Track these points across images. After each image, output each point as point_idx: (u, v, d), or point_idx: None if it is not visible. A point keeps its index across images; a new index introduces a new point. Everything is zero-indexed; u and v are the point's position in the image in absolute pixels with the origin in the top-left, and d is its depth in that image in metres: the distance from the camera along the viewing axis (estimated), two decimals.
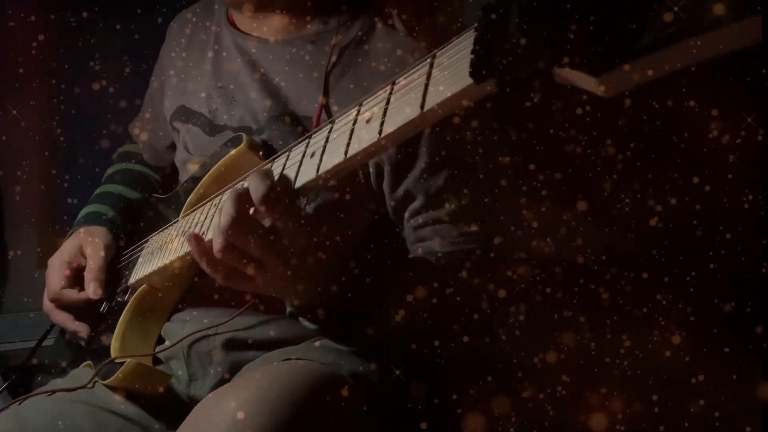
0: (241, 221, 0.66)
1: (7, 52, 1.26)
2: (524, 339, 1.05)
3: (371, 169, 0.90)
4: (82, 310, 1.02)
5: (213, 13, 1.06)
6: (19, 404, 0.90)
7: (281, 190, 0.66)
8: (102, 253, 1.01)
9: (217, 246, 0.68)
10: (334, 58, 0.92)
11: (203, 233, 0.80)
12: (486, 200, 0.91)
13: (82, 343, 1.01)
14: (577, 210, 1.09)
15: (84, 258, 1.02)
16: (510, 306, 0.93)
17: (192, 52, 1.06)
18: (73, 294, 1.00)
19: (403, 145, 0.88)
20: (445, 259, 0.89)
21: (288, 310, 0.78)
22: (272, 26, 0.98)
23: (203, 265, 0.72)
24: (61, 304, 1.01)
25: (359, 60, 0.92)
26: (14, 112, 1.23)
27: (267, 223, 0.67)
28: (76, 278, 1.02)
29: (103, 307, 1.01)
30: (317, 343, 0.90)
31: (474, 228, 0.89)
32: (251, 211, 0.66)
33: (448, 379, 0.99)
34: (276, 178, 0.69)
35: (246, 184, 0.67)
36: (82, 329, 1.00)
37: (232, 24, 1.02)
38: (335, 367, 0.82)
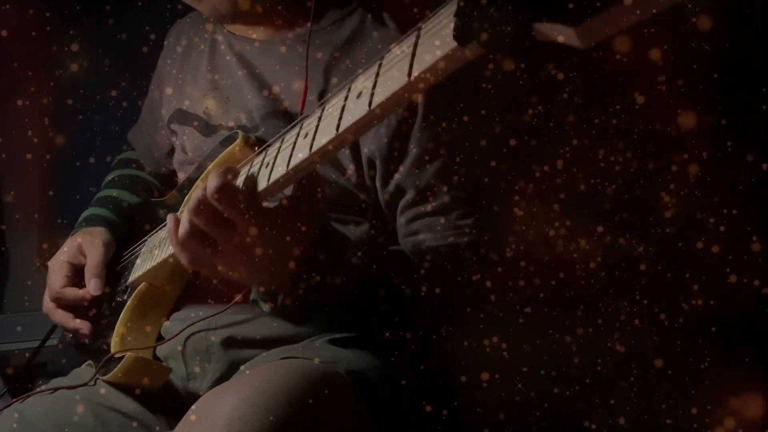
0: (204, 207, 0.72)
1: (7, 54, 1.28)
2: (516, 336, 1.05)
3: (364, 164, 0.91)
4: (82, 310, 1.02)
5: (209, 19, 1.09)
6: (21, 402, 0.90)
7: (235, 188, 0.72)
8: (101, 251, 1.02)
9: (183, 227, 0.74)
10: (332, 53, 0.93)
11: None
12: (477, 194, 0.92)
13: (84, 341, 1.01)
14: (570, 206, 1.09)
15: (84, 257, 1.03)
16: (501, 301, 0.93)
17: (189, 56, 1.08)
18: (74, 292, 1.01)
19: (395, 139, 0.89)
20: (435, 253, 0.89)
21: (251, 295, 0.84)
22: (264, 28, 1.00)
23: (173, 245, 0.77)
24: (63, 303, 1.02)
25: (352, 55, 0.94)
26: (18, 103, 1.24)
27: (226, 213, 0.72)
28: (77, 277, 1.02)
29: (104, 307, 1.02)
30: (316, 342, 0.91)
31: (465, 222, 0.90)
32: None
33: (441, 375, 0.99)
34: (245, 174, 0.75)
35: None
36: (83, 326, 1.00)
37: (226, 26, 1.05)
38: (333, 365, 0.82)
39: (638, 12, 0.39)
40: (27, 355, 1.11)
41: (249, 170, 0.75)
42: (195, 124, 1.03)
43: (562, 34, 0.43)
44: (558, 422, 1.04)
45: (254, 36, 1.01)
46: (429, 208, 0.90)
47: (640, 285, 1.06)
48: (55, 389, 0.92)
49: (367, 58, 0.92)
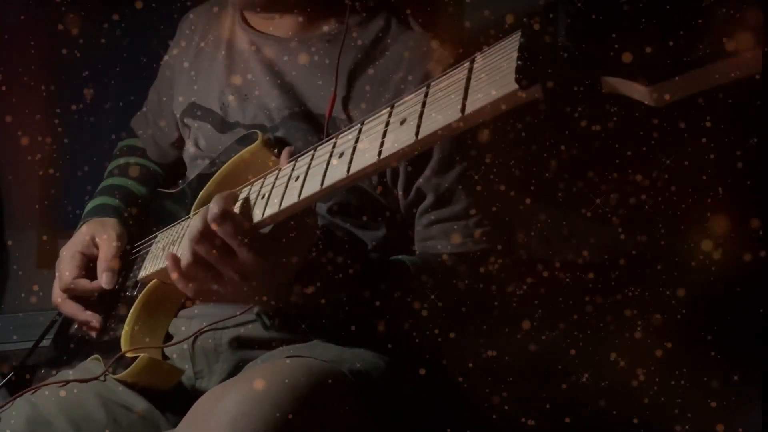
0: (205, 236, 0.73)
1: (6, 53, 1.23)
2: (529, 340, 1.07)
3: (387, 169, 0.91)
4: (92, 302, 1.01)
5: (227, 10, 1.05)
6: (33, 393, 0.89)
7: (233, 215, 0.73)
8: (114, 243, 1.01)
9: (185, 258, 0.75)
10: (356, 56, 0.92)
11: None
12: (495, 203, 0.92)
13: (93, 334, 1.00)
14: (590, 212, 1.10)
15: (96, 248, 1.02)
16: (518, 307, 0.95)
17: (204, 48, 1.05)
18: (85, 284, 1.00)
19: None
20: (452, 260, 0.90)
21: (255, 310, 0.87)
22: (287, 25, 0.98)
23: (175, 280, 0.78)
24: (73, 295, 1.01)
25: (376, 58, 0.93)
26: (18, 103, 1.20)
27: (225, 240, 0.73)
28: (88, 268, 1.01)
29: (113, 300, 1.01)
30: (321, 342, 0.91)
31: (481, 230, 0.91)
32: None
33: (452, 378, 1.00)
34: (242, 200, 0.76)
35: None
36: (93, 319, 0.99)
37: (246, 21, 1.02)
38: (337, 364, 0.82)
39: (717, 77, 0.40)
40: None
41: (248, 194, 0.77)
42: (210, 119, 1.01)
43: (633, 91, 0.44)
44: (560, 422, 1.07)
45: (276, 33, 0.98)
46: (447, 213, 0.91)
47: (646, 285, 1.08)
48: (66, 382, 0.91)
49: (393, 61, 0.92)
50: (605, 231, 1.10)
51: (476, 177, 0.90)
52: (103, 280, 0.98)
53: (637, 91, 0.44)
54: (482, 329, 0.96)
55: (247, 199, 0.77)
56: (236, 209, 0.76)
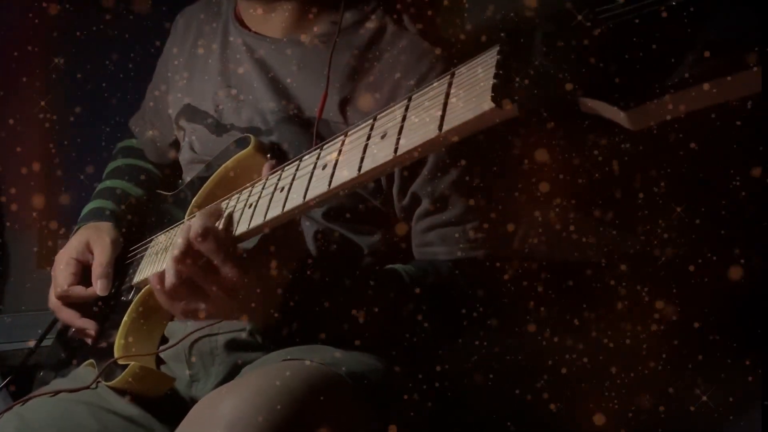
0: (187, 254, 0.72)
1: (6, 52, 1.24)
2: (528, 342, 1.06)
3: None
4: (87, 307, 1.01)
5: (220, 10, 1.05)
6: (22, 405, 0.89)
7: (216, 232, 0.72)
8: (109, 249, 1.01)
9: (169, 277, 0.74)
10: (351, 57, 0.91)
11: None
12: (492, 207, 0.91)
13: (89, 341, 1.00)
14: (588, 214, 1.09)
15: (91, 254, 1.02)
16: (515, 311, 0.93)
17: (198, 49, 1.05)
18: (81, 291, 1.00)
19: None
20: (451, 266, 0.88)
21: (247, 327, 0.86)
22: (281, 25, 0.96)
23: (160, 300, 0.78)
24: (69, 301, 1.01)
25: (370, 59, 0.91)
26: (18, 103, 1.22)
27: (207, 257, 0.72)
28: (83, 275, 1.01)
29: (108, 305, 1.01)
30: (318, 345, 0.90)
31: (479, 235, 0.89)
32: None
33: (450, 381, 0.99)
34: (226, 214, 0.75)
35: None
36: (89, 326, 0.99)
37: (240, 22, 1.01)
38: (334, 367, 0.81)
39: (694, 102, 0.37)
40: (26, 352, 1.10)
41: (234, 205, 0.76)
42: (205, 122, 1.00)
43: (610, 114, 0.42)
44: (561, 423, 1.05)
45: (270, 33, 0.97)
46: (444, 218, 0.89)
47: (650, 284, 1.06)
48: (57, 392, 0.91)
49: (388, 63, 0.90)
50: (605, 232, 1.08)
51: (472, 181, 0.89)
52: (98, 287, 0.98)
53: (614, 113, 0.41)
54: (481, 333, 0.95)
55: (230, 214, 0.76)
56: (220, 224, 0.75)
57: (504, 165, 0.94)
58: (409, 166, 0.88)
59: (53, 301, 1.02)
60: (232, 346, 0.94)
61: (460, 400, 1.04)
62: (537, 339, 1.06)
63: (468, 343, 0.98)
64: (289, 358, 0.83)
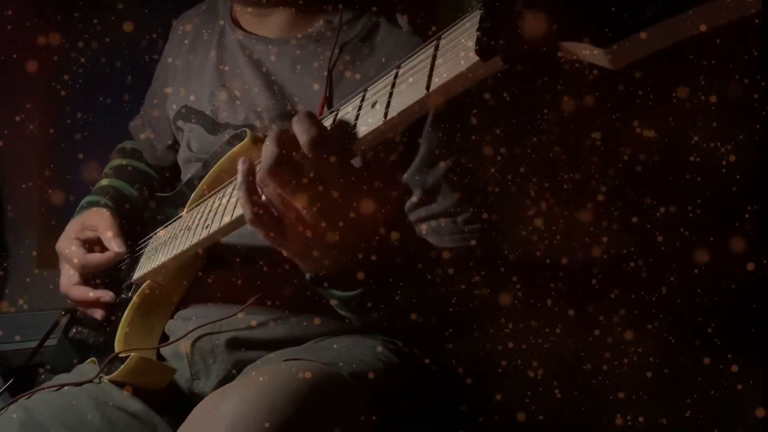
0: (286, 164, 0.59)
1: (7, 54, 1.26)
2: (518, 337, 1.05)
3: None
4: (100, 282, 1.01)
5: (217, 12, 1.07)
6: (27, 398, 0.89)
7: (333, 134, 0.60)
8: (110, 217, 1.01)
9: (260, 178, 0.61)
10: (337, 54, 0.92)
11: (208, 226, 0.80)
12: (483, 198, 0.91)
13: (102, 315, 0.99)
14: (578, 208, 1.09)
15: (90, 230, 1.02)
16: (506, 305, 0.93)
17: (195, 51, 1.06)
18: (98, 256, 0.99)
19: (403, 140, 0.88)
20: (443, 255, 0.88)
21: (308, 275, 0.71)
22: (276, 25, 0.98)
23: (241, 193, 0.64)
24: (89, 271, 1.00)
25: (363, 57, 0.93)
26: (18, 103, 1.23)
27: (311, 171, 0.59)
28: (90, 250, 1.01)
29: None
30: (319, 344, 0.90)
31: (471, 227, 0.90)
32: (296, 155, 0.59)
33: (443, 377, 0.99)
34: (330, 122, 0.63)
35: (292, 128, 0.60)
36: (105, 295, 0.98)
37: (236, 23, 1.03)
38: (336, 367, 0.81)
39: (672, 35, 0.38)
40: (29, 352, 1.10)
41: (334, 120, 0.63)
42: (202, 121, 1.02)
43: (590, 55, 0.42)
44: (560, 423, 1.05)
45: (265, 33, 0.99)
46: (435, 210, 0.90)
47: (642, 283, 1.07)
48: (61, 386, 0.91)
49: (380, 60, 0.91)
50: (601, 229, 1.09)
51: (463, 172, 0.89)
52: (114, 244, 0.98)
53: (594, 54, 0.42)
54: (474, 327, 0.94)
55: (340, 121, 0.62)
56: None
57: (497, 156, 0.95)
58: (400, 156, 0.89)
59: (65, 284, 1.01)
60: (233, 344, 0.94)
61: (460, 398, 1.04)
62: (531, 333, 1.06)
63: (461, 338, 0.98)
64: (290, 357, 0.83)
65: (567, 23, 0.42)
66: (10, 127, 1.28)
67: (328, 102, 0.91)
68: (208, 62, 1.03)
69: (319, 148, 0.58)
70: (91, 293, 0.99)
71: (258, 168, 0.63)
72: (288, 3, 0.97)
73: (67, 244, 1.01)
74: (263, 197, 0.62)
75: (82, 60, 1.18)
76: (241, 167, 0.64)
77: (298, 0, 0.96)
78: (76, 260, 0.99)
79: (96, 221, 1.02)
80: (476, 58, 0.49)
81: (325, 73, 0.91)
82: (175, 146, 1.13)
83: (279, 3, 0.97)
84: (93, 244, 1.02)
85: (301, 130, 0.59)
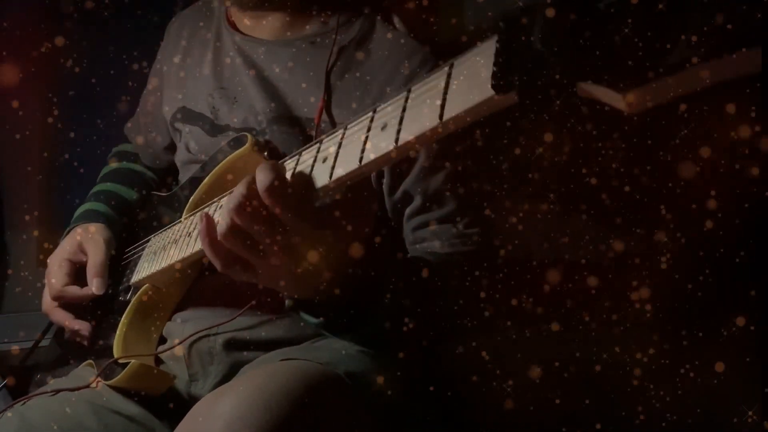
0: (248, 205, 0.64)
1: (7, 52, 1.24)
2: (520, 341, 1.06)
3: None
4: (83, 309, 1.01)
5: (213, 14, 1.06)
6: (23, 404, 0.89)
7: (290, 183, 0.64)
8: (103, 248, 0.99)
9: (222, 227, 0.66)
10: (334, 58, 0.92)
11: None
12: (484, 203, 0.92)
13: (84, 343, 1.00)
14: (578, 212, 1.10)
15: (84, 255, 1.01)
16: (508, 308, 0.94)
17: (192, 52, 1.05)
18: (76, 290, 0.99)
19: None
20: (443, 260, 0.89)
21: (287, 303, 0.76)
22: (272, 27, 0.98)
23: (205, 247, 0.69)
24: (64, 302, 1.00)
25: (359, 59, 0.92)
26: (18, 103, 1.22)
27: (276, 212, 0.64)
28: (78, 275, 1.00)
29: (105, 306, 1.01)
30: (316, 344, 0.91)
31: (472, 231, 0.90)
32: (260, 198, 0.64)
33: (440, 378, 1.00)
34: (289, 173, 0.67)
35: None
36: (83, 328, 0.99)
37: (232, 25, 1.02)
38: (332, 367, 0.81)
39: (692, 83, 0.38)
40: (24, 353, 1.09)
41: (296, 166, 0.69)
42: (200, 123, 1.01)
43: (607, 98, 0.42)
44: (559, 423, 1.06)
45: (262, 36, 0.98)
46: (436, 215, 0.90)
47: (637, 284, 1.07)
48: (57, 391, 0.91)
49: (376, 63, 0.91)
50: (599, 230, 1.09)
51: (464, 178, 0.89)
52: (94, 285, 0.97)
53: (612, 97, 0.42)
54: (474, 329, 0.95)
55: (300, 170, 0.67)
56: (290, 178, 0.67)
57: (498, 162, 0.95)
58: (401, 162, 0.89)
59: (47, 303, 1.01)
60: (230, 345, 0.94)
61: (458, 399, 1.04)
62: (529, 335, 1.06)
63: (460, 340, 0.99)
64: (287, 357, 0.83)
65: (587, 65, 0.42)
66: (11, 127, 1.27)
67: (326, 105, 0.91)
68: (205, 64, 1.02)
69: (275, 197, 0.63)
70: (71, 324, 0.99)
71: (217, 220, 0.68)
72: (283, 5, 0.96)
73: (58, 264, 1.00)
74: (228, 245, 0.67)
75: (83, 60, 1.17)
76: (200, 225, 0.69)
77: (293, 2, 0.96)
78: (56, 286, 0.98)
79: (90, 248, 1.00)
80: (491, 92, 0.49)
81: (321, 77, 0.91)
82: (171, 148, 1.13)
83: (274, 5, 0.96)
84: (83, 268, 1.01)
85: (260, 179, 0.64)
